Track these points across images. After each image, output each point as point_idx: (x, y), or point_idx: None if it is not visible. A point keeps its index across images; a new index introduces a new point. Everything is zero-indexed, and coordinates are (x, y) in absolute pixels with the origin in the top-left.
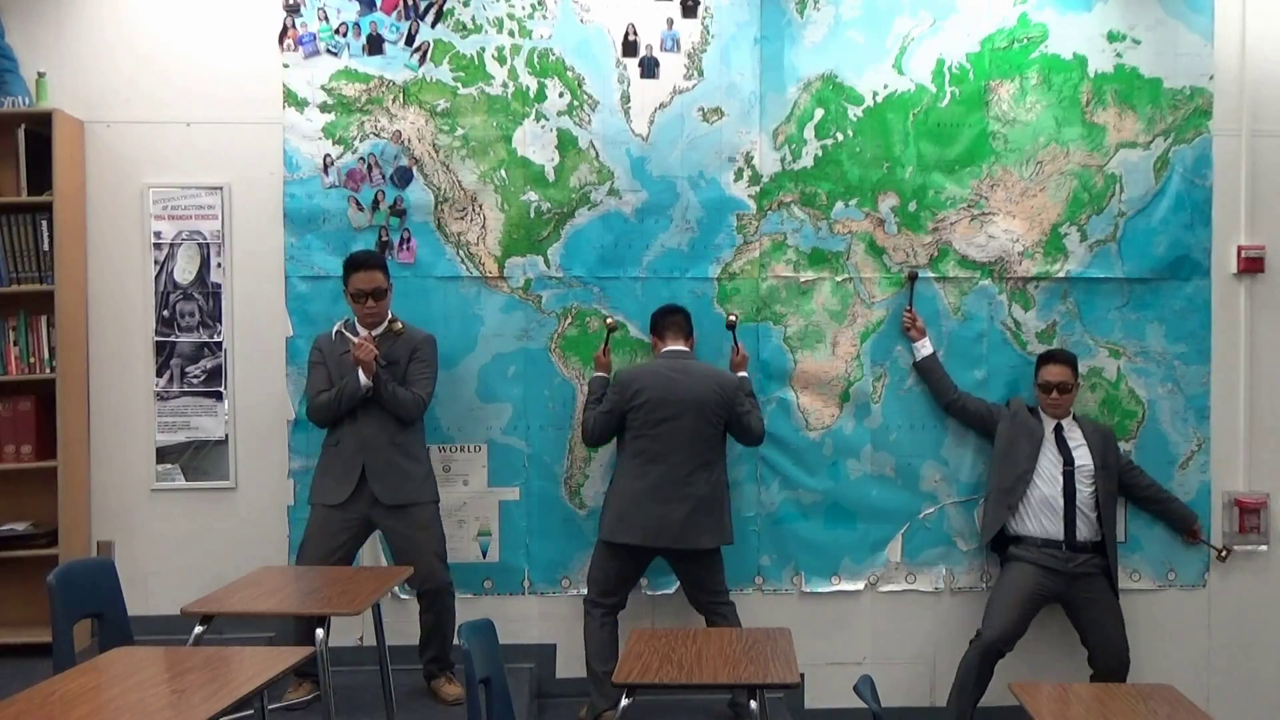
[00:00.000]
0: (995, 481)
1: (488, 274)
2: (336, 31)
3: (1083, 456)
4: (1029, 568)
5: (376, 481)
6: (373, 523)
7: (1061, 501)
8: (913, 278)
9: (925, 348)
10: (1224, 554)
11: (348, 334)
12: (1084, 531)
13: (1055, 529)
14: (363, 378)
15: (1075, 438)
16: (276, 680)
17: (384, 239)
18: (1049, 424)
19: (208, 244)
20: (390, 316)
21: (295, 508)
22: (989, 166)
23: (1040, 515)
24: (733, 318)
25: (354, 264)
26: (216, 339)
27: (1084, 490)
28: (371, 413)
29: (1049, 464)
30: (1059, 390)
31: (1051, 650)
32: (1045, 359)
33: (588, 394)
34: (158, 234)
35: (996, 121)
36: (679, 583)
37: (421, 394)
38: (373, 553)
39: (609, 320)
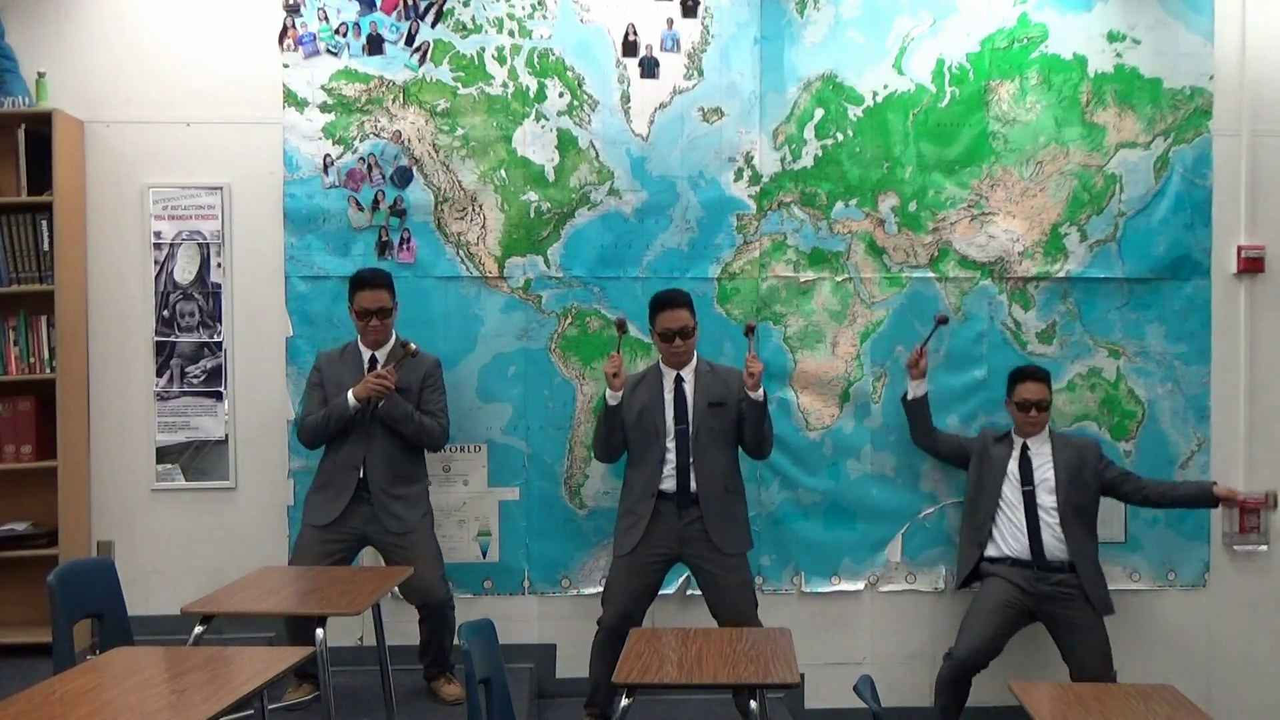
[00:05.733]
0: (966, 522)
1: (488, 274)
2: (336, 31)
3: (1044, 472)
4: (1002, 583)
5: (383, 512)
6: (367, 539)
7: (1024, 522)
8: (942, 321)
9: (920, 389)
10: (1273, 501)
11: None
12: (1054, 550)
13: (1022, 549)
14: (351, 399)
15: (1041, 455)
16: (276, 680)
17: (384, 239)
18: (1016, 444)
19: (208, 244)
20: (402, 340)
21: (295, 507)
22: (989, 166)
23: (1009, 537)
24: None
25: (360, 282)
26: (216, 339)
27: (1047, 507)
28: (375, 441)
29: (1011, 488)
30: (1036, 408)
31: (1040, 658)
32: (1020, 376)
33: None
34: (158, 234)
35: (996, 121)
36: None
37: (445, 423)
38: (372, 553)
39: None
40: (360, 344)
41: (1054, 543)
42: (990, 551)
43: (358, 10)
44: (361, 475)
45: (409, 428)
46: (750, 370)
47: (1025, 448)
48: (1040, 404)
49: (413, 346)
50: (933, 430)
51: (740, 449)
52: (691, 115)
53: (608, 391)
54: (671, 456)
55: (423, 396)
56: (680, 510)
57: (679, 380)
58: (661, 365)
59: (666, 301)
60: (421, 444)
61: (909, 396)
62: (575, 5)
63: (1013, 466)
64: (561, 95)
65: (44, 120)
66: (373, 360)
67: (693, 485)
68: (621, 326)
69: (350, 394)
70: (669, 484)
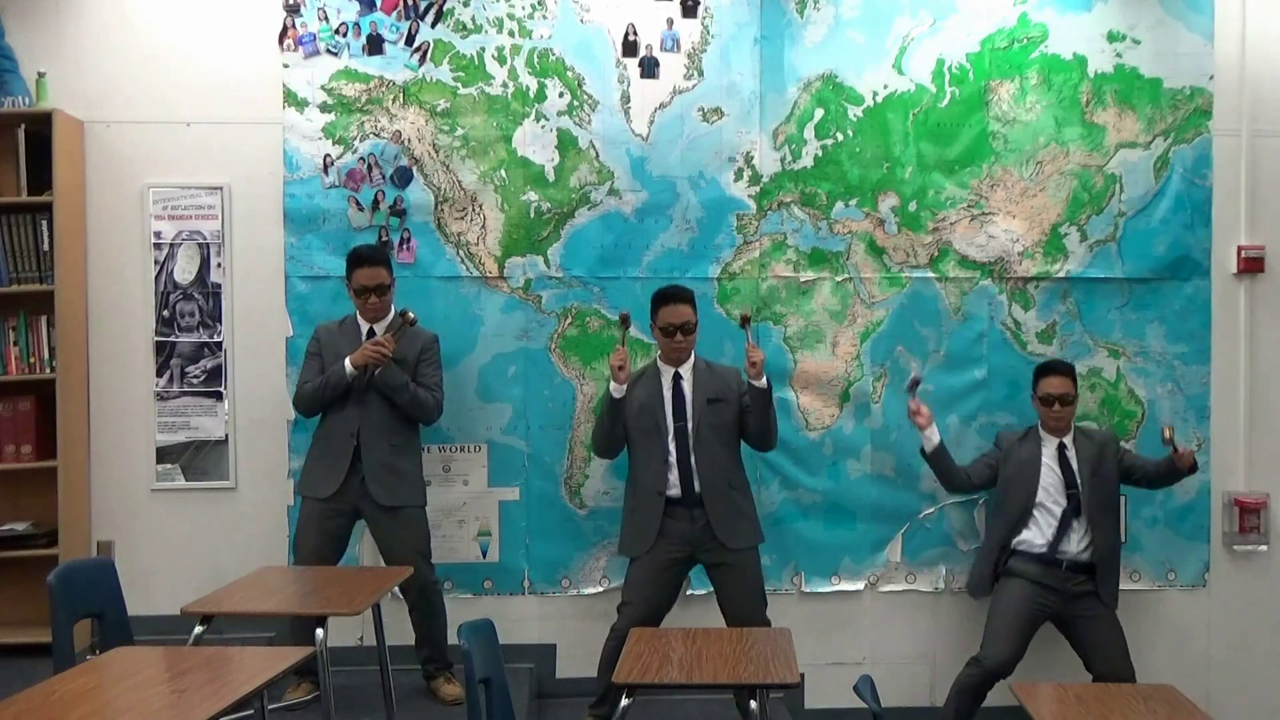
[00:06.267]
0: (991, 534)
1: (488, 274)
2: (336, 31)
3: (1081, 473)
4: (1025, 585)
5: (374, 482)
6: (359, 513)
7: (1059, 520)
8: (915, 384)
9: (934, 436)
10: (1169, 440)
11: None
12: (1080, 548)
13: (1049, 547)
14: (349, 366)
15: (1073, 456)
16: (276, 680)
17: (384, 239)
18: (1050, 444)
19: (208, 244)
20: (402, 309)
21: (295, 508)
22: (989, 166)
23: (1037, 536)
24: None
25: (358, 259)
26: (216, 339)
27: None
28: (371, 410)
29: (1052, 486)
30: (1060, 403)
31: (1049, 659)
32: (1044, 370)
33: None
34: (158, 234)
35: (996, 121)
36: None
37: (439, 396)
38: (372, 553)
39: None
40: (359, 318)
41: (1081, 540)
42: (1019, 546)
43: (358, 10)
44: (357, 443)
45: (403, 397)
46: (752, 359)
47: (1062, 446)
48: (1064, 398)
49: (412, 315)
50: (959, 471)
51: (745, 445)
52: (691, 115)
53: (611, 385)
54: (673, 458)
55: (418, 369)
56: (689, 510)
57: (677, 378)
58: (659, 363)
59: (669, 296)
60: (415, 415)
61: (925, 450)
62: (575, 5)
63: (1049, 463)
64: (561, 95)
65: (44, 120)
66: (370, 332)
67: (695, 483)
68: (625, 321)
69: (347, 361)
70: (674, 491)
